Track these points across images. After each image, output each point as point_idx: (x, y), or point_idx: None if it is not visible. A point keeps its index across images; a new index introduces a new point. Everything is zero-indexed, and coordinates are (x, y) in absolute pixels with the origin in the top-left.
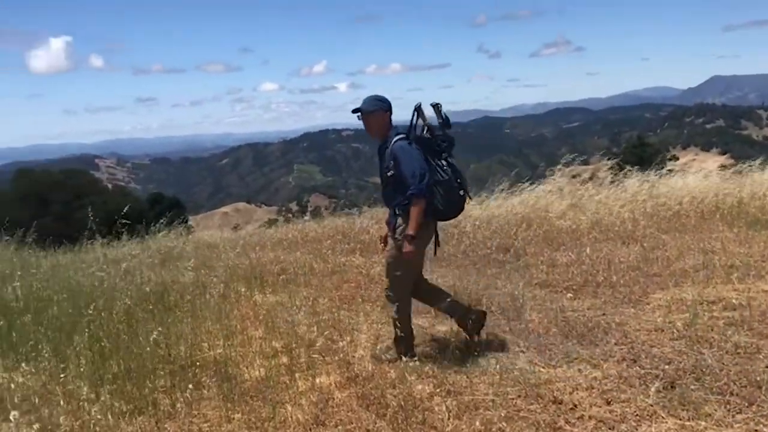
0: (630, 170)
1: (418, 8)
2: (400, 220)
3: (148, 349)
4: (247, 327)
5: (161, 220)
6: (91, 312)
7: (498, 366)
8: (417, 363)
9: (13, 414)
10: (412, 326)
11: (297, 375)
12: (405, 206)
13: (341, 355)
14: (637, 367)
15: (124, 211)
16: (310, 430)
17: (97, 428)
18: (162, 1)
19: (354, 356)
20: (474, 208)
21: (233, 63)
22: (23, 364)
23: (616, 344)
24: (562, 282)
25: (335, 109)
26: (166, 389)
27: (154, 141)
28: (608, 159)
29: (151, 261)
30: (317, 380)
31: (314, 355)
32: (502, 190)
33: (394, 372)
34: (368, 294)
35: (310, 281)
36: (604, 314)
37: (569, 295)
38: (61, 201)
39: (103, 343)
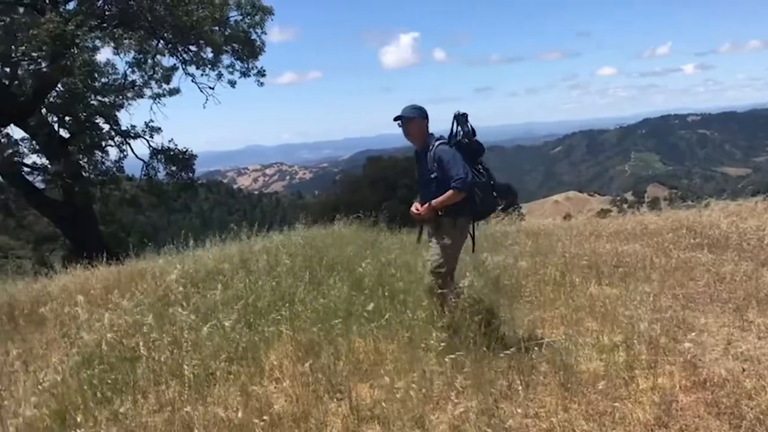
0: None
1: None
2: (443, 220)
3: (485, 329)
4: (583, 318)
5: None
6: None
7: None
8: None
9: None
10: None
11: (637, 372)
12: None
13: (687, 357)
14: None
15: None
16: (652, 430)
17: (441, 399)
18: None
19: (702, 359)
20: None
21: (570, 49)
22: (377, 334)
23: None
24: None
25: (679, 93)
26: (503, 370)
27: (490, 129)
28: None
29: (486, 245)
30: (659, 380)
31: (656, 354)
32: None
33: (750, 381)
34: (718, 294)
35: (651, 276)
36: None
37: None
38: (406, 185)
39: (446, 319)
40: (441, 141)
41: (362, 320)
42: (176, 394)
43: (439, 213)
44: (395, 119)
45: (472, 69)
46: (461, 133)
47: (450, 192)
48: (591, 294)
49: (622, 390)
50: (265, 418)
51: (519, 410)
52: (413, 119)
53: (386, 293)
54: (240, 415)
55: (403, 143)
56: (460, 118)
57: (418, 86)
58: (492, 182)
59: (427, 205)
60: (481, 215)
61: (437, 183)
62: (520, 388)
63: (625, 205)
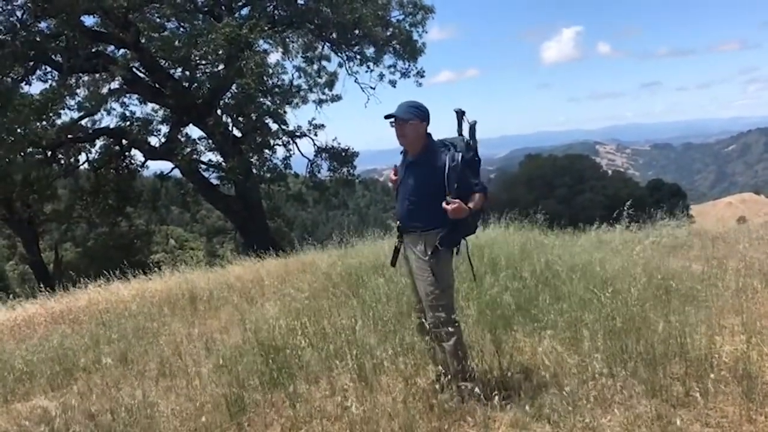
0: None
1: None
2: (421, 245)
3: (661, 334)
4: (766, 326)
5: (662, 208)
6: (604, 292)
7: None
8: None
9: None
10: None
11: None
12: (431, 228)
13: None
14: None
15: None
16: None
17: (616, 398)
18: None
19: None
20: None
21: (750, 40)
22: (543, 333)
23: None
24: None
25: None
26: (680, 377)
27: (655, 126)
28: None
29: (655, 248)
30: None
31: None
32: None
33: None
34: None
35: None
36: None
37: None
38: (565, 185)
39: (615, 323)
40: (458, 148)
41: (527, 320)
42: (348, 381)
43: (422, 232)
44: (386, 117)
45: (639, 63)
46: (471, 141)
47: (478, 196)
48: None
49: None
50: (432, 409)
51: (698, 419)
52: (409, 122)
53: (554, 294)
54: (407, 405)
55: (562, 140)
56: (474, 127)
57: (580, 81)
58: None
59: (468, 210)
60: (467, 234)
61: (431, 196)
62: (698, 395)
63: None
